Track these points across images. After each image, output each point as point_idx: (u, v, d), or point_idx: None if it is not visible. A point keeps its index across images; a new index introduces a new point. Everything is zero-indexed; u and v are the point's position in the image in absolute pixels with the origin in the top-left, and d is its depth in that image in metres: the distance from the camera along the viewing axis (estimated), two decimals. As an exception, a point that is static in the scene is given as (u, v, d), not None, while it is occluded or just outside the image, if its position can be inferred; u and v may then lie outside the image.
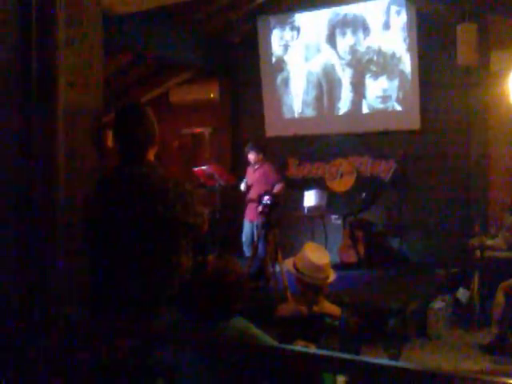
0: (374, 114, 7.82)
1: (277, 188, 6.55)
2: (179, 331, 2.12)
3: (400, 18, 7.38)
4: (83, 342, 2.03)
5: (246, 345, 1.99)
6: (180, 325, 2.20)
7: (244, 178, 7.00)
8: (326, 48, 8.01)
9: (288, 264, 3.23)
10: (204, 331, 2.12)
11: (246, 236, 6.95)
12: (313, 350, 2.59)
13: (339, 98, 8.02)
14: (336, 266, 3.35)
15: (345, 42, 7.87)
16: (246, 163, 7.20)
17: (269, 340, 2.22)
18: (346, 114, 8.00)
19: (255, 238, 6.50)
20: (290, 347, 2.11)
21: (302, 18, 8.12)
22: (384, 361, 2.16)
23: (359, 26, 7.71)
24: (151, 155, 2.52)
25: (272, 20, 8.29)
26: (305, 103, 8.30)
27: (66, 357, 2.05)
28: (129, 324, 2.12)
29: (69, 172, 2.45)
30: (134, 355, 1.98)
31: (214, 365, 2.09)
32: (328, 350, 2.76)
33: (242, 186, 6.92)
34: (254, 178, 6.73)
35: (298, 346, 2.62)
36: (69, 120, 2.47)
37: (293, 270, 3.14)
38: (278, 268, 5.71)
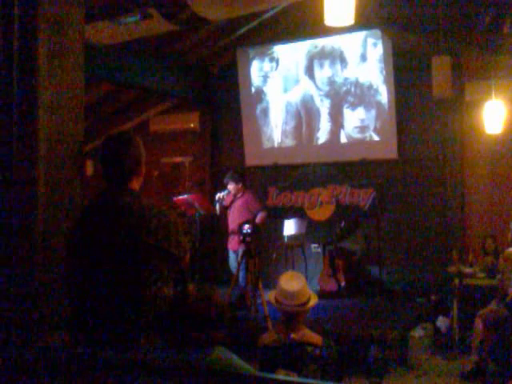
0: (352, 143, 7.93)
1: (259, 217, 6.54)
2: (160, 361, 2.09)
3: (376, 50, 7.55)
4: (61, 369, 1.99)
5: (228, 374, 1.97)
6: (161, 354, 2.17)
7: (217, 201, 6.69)
8: (304, 79, 8.13)
9: (269, 295, 3.23)
10: (185, 361, 2.10)
11: (232, 266, 6.86)
12: (294, 378, 2.57)
13: (318, 128, 8.12)
14: (316, 295, 3.35)
15: (323, 73, 8.01)
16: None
17: (251, 370, 2.20)
18: (325, 144, 8.10)
19: (238, 267, 6.46)
20: (270, 376, 2.09)
21: (280, 49, 8.26)
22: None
23: (337, 57, 7.87)
24: (136, 184, 2.49)
25: (251, 51, 8.42)
26: (284, 133, 8.39)
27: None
28: (108, 353, 2.09)
29: (49, 198, 2.44)
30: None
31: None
32: (310, 378, 2.74)
33: (217, 207, 6.68)
34: (236, 206, 6.72)
35: (279, 376, 2.60)
36: (50, 148, 2.47)
37: (272, 300, 3.14)
38: (258, 297, 5.68)
